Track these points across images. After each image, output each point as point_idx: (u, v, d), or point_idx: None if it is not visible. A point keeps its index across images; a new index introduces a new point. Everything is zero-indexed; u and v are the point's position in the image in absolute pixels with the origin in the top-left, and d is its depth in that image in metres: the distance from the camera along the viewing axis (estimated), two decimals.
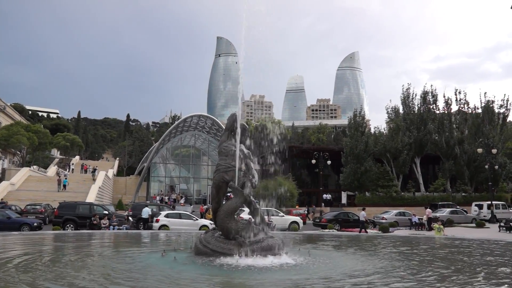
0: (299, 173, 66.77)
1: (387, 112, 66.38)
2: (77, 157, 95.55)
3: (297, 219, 37.60)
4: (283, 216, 37.38)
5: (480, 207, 47.52)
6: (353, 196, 61.52)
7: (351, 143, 58.14)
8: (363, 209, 33.93)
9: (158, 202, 50.38)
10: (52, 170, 69.64)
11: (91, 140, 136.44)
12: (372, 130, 72.57)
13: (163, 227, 30.63)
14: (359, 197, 57.79)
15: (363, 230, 30.69)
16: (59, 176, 58.01)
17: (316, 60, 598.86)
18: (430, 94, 64.20)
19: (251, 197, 12.48)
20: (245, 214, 30.53)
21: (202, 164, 72.85)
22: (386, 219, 39.27)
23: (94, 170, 62.43)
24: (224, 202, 12.95)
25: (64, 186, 52.52)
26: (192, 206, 49.15)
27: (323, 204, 59.81)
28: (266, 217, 27.01)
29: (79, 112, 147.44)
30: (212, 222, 30.96)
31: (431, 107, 63.80)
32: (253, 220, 13.16)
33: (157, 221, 31.72)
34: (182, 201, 58.29)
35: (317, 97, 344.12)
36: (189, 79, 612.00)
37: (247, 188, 12.26)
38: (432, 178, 65.05)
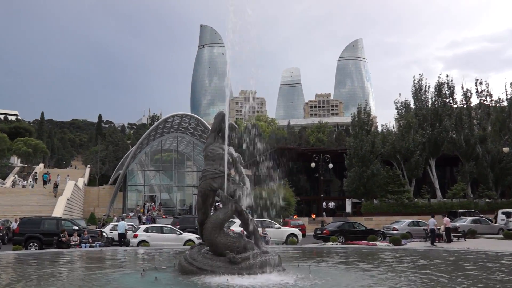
0: (297, 178, 66.92)
1: (397, 108, 66.84)
2: (41, 165, 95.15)
3: (296, 231, 37.71)
4: (280, 228, 37.64)
5: (508, 215, 47.06)
6: (359, 204, 61.76)
7: (356, 143, 58.37)
8: (432, 217, 34.67)
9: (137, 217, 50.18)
10: (12, 180, 69.24)
11: (58, 145, 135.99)
12: (380, 128, 73.05)
13: (143, 243, 30.64)
14: (366, 205, 58.04)
15: (441, 239, 31.63)
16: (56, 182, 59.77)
17: (314, 50, 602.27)
18: (445, 85, 64.47)
19: (242, 206, 12.49)
20: (236, 226, 30.55)
21: (186, 170, 72.75)
22: (397, 230, 39.34)
23: (56, 186, 59.07)
24: (212, 213, 12.97)
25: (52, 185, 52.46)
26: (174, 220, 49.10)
27: (324, 214, 59.97)
28: (260, 229, 27.01)
29: (42, 113, 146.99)
30: (198, 236, 31.29)
31: (447, 100, 64.20)
32: (245, 233, 13.15)
33: (135, 236, 31.66)
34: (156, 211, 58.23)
35: (316, 91, 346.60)
36: (170, 74, 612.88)
37: (238, 196, 12.32)
38: (450, 182, 65.32)
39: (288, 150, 66.60)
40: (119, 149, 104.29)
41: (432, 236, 32.90)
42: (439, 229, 35.26)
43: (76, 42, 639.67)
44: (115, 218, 49.59)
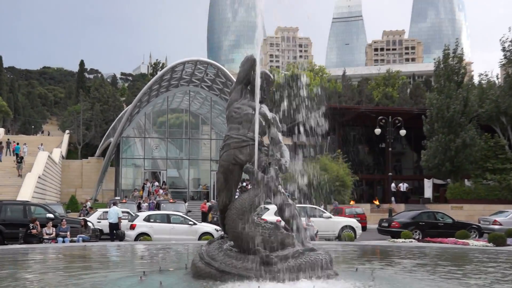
0: (355, 150, 66.72)
1: (504, 49, 64.89)
2: (1, 130, 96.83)
3: (353, 222, 37.99)
4: (330, 217, 37.91)
5: None
6: (442, 187, 61.42)
7: (440, 100, 57.63)
8: None
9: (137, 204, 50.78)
10: None
11: (23, 103, 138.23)
12: (476, 79, 71.70)
13: (143, 236, 31.15)
14: (454, 188, 57.52)
15: None
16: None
17: None
18: None
19: (280, 187, 12.47)
20: (269, 214, 31.06)
21: (202, 137, 73.48)
22: (500, 224, 39.06)
23: (20, 159, 58.20)
24: (237, 196, 13.03)
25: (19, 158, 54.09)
26: (187, 204, 49.51)
27: (393, 199, 59.74)
28: (303, 219, 26.87)
29: (0, 58, 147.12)
30: (218, 228, 31.55)
31: None
32: (283, 223, 13.11)
33: (132, 227, 32.24)
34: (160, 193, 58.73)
35: (383, 28, 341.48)
36: (178, 5, 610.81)
37: (273, 173, 12.29)
38: None
39: (343, 110, 66.21)
40: (110, 109, 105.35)
41: None
42: None
43: None
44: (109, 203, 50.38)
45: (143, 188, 58.98)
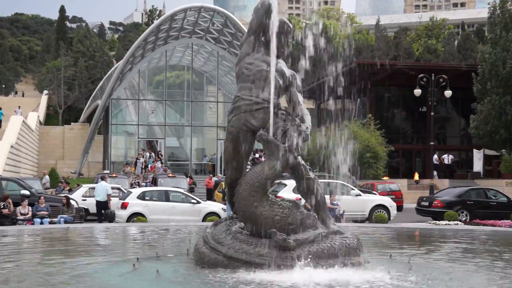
0: (390, 115, 66.57)
1: None
2: None
3: (386, 201, 38.20)
4: (360, 195, 37.91)
5: None
6: (496, 159, 61.26)
7: (495, 55, 57.26)
8: None
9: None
10: None
11: None
12: None
13: (136, 217, 31.38)
14: (509, 160, 57.27)
15: None
16: None
17: None
18: None
19: (300, 159, 12.49)
20: (287, 191, 31.10)
21: (207, 100, 73.37)
22: None
23: None
24: (249, 169, 13.01)
25: None
26: (188, 179, 49.61)
27: (435, 174, 59.60)
28: (327, 197, 26.96)
29: None
30: (225, 207, 31.61)
31: None
32: (302, 201, 13.23)
33: (124, 206, 32.54)
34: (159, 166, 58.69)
35: None
36: None
37: (293, 142, 12.16)
38: None
39: (376, 67, 65.73)
40: (96, 65, 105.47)
41: None
42: None
43: None
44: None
45: (135, 163, 58.88)
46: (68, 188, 44.38)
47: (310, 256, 11.61)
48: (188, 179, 48.98)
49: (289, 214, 12.09)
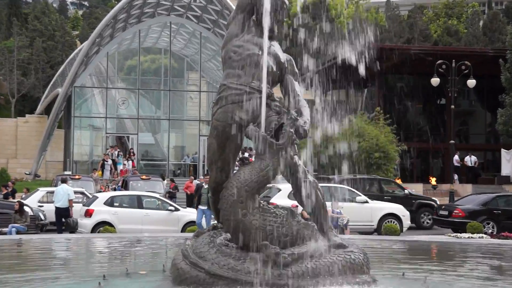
0: (403, 108, 66.53)
1: None
2: None
3: (398, 209, 37.93)
4: (366, 202, 37.72)
5: None
6: None
7: None
8: None
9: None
10: None
11: None
12: None
13: (103, 226, 30.86)
14: None
15: None
16: None
17: None
18: None
19: (297, 158, 12.35)
20: (282, 197, 31.34)
21: (188, 89, 73.21)
22: None
23: None
24: (236, 171, 12.90)
25: None
26: (166, 182, 49.40)
27: (456, 178, 59.63)
28: (328, 204, 26.24)
29: None
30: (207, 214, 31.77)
31: None
32: (300, 208, 13.31)
33: (89, 213, 32.32)
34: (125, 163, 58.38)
35: None
36: None
37: (288, 139, 11.97)
38: None
39: (387, 51, 65.58)
40: (57, 47, 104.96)
41: None
42: None
43: None
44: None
45: (102, 166, 58.15)
46: (6, 191, 43.18)
47: (308, 274, 11.52)
48: (167, 181, 48.90)
49: (283, 224, 12.01)
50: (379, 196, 41.41)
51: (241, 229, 12.05)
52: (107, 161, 58.00)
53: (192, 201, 44.65)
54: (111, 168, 57.43)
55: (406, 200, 41.77)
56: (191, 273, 11.98)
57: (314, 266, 11.71)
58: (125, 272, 14.50)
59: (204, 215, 31.64)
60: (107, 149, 61.94)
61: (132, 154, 63.49)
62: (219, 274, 11.71)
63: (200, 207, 32.15)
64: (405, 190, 44.64)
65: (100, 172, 56.40)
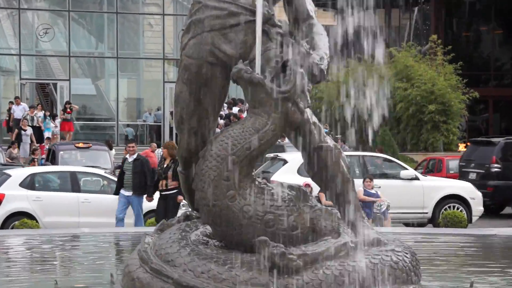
0: (472, 37, 61.61)
1: None
2: None
3: (464, 188, 33.85)
4: (416, 178, 33.84)
5: None
6: None
7: None
8: None
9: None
10: None
11: None
12: None
13: (19, 218, 27.42)
14: None
15: None
16: None
17: None
18: None
19: (311, 112, 9.75)
20: (288, 172, 28.58)
21: (146, 10, 65.94)
22: None
23: None
24: (219, 132, 10.29)
25: None
26: (115, 152, 43.84)
27: None
28: (359, 181, 25.68)
29: None
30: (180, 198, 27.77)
31: None
32: (315, 189, 11.41)
33: None
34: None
35: None
36: None
37: (297, 83, 9.30)
38: None
39: None
40: None
41: None
42: None
43: None
44: None
45: (16, 137, 47.84)
46: None
47: (326, 283, 9.09)
48: (113, 152, 42.62)
49: (290, 211, 9.44)
50: None
51: (227, 219, 9.55)
52: (25, 130, 48.36)
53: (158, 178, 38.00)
54: (31, 141, 48.19)
55: None
56: (153, 285, 9.49)
57: (336, 272, 9.18)
58: (53, 284, 11.94)
59: (130, 205, 27.04)
60: (26, 111, 51.32)
61: (69, 110, 52.91)
62: (195, 286, 9.19)
63: (123, 192, 27.28)
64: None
65: (16, 147, 45.84)
